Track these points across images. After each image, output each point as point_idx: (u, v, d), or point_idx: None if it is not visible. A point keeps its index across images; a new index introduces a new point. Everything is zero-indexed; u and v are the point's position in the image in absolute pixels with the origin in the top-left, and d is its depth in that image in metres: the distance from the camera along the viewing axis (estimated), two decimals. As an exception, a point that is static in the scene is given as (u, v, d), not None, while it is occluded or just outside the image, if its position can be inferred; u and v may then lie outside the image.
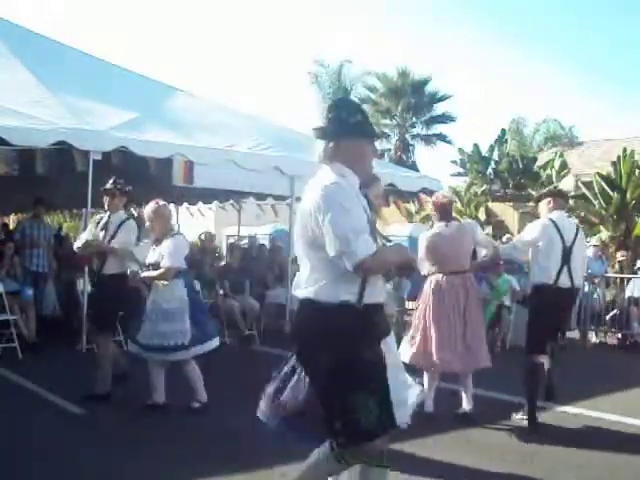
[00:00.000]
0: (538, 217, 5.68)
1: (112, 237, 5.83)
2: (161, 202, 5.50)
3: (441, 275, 5.38)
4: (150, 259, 5.43)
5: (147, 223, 5.48)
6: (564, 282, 5.32)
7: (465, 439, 4.92)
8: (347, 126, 2.77)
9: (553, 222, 5.38)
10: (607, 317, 10.59)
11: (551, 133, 33.99)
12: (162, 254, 5.32)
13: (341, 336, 2.68)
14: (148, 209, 5.44)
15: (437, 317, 5.32)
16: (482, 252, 5.70)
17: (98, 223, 6.02)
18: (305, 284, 2.79)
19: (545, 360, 5.40)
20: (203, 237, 11.15)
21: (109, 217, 5.94)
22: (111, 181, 5.99)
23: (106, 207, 5.99)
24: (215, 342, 5.48)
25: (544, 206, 5.58)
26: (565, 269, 5.31)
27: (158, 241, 5.43)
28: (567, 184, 5.89)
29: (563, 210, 5.64)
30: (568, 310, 5.66)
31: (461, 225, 5.65)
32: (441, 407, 5.39)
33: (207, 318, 5.67)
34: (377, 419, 2.66)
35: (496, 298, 9.54)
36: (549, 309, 5.31)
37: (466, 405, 5.43)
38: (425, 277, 5.51)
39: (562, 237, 5.33)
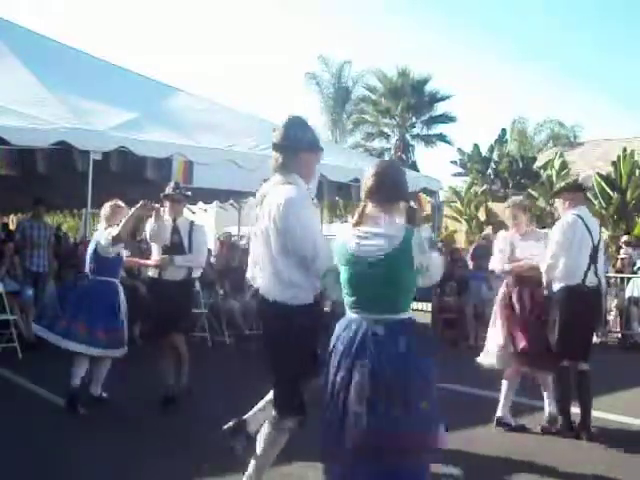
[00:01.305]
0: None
1: (189, 242, 5.73)
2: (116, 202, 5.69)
3: (507, 278, 5.41)
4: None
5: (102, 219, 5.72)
6: (592, 281, 5.10)
7: (467, 439, 4.91)
8: (303, 142, 3.44)
9: (580, 218, 5.11)
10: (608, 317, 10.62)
11: (554, 133, 33.99)
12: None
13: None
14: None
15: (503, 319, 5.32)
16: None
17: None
18: (269, 285, 3.40)
19: (584, 365, 5.14)
20: (222, 238, 11.59)
21: (175, 223, 5.76)
22: (172, 186, 5.86)
23: (168, 213, 5.76)
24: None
25: (564, 202, 5.25)
26: (592, 268, 5.09)
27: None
28: (585, 181, 5.53)
29: (584, 205, 5.32)
30: (598, 309, 5.36)
31: (532, 232, 5.45)
32: (441, 408, 5.38)
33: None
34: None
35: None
36: (581, 311, 5.05)
37: (547, 407, 5.34)
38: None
39: (591, 234, 5.09)
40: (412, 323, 3.00)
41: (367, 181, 3.08)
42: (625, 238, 12.60)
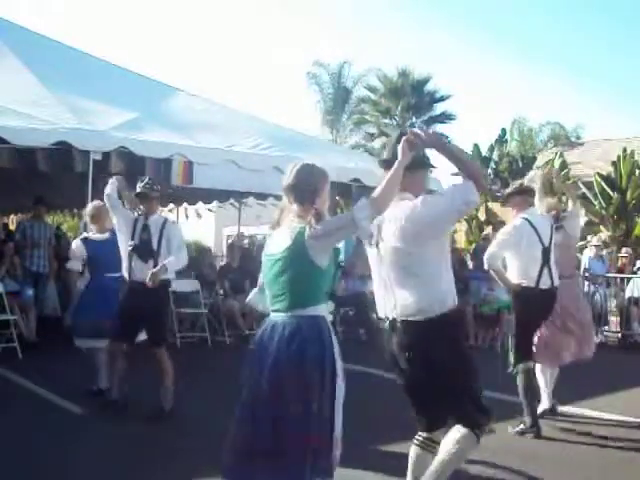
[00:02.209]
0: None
1: (159, 239, 5.40)
2: (101, 203, 5.79)
3: None
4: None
5: (87, 219, 5.99)
6: (545, 283, 5.15)
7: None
8: (414, 160, 3.16)
9: (528, 221, 5.18)
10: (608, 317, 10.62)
11: (555, 133, 33.92)
12: None
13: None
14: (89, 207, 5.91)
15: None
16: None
17: (135, 226, 5.46)
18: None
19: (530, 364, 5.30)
20: (235, 238, 11.85)
21: (146, 219, 5.47)
22: (144, 183, 5.53)
23: (142, 210, 5.50)
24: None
25: (514, 206, 5.38)
26: (546, 270, 5.14)
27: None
28: (534, 178, 5.53)
29: (533, 207, 5.42)
30: (551, 311, 5.35)
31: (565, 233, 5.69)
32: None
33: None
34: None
35: (495, 302, 9.61)
36: (534, 313, 5.15)
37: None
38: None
39: (539, 236, 5.14)
40: (318, 319, 3.00)
41: (283, 183, 3.11)
42: (591, 238, 12.72)
